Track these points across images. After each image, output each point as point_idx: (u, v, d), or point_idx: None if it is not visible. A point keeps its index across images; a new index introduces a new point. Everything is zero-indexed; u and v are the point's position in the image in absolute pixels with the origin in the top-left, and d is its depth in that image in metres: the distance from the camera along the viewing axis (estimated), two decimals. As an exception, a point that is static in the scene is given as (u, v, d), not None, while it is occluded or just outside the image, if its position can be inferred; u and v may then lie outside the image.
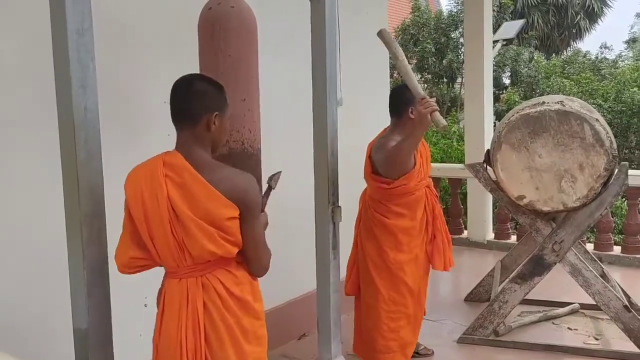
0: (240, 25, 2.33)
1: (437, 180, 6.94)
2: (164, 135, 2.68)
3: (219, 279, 1.91)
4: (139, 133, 3.03)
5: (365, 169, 3.26)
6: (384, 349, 3.20)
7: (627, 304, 3.83)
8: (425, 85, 14.13)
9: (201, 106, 1.92)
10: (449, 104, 13.49)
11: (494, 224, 6.75)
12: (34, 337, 2.59)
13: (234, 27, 2.31)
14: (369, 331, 3.25)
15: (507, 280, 4.18)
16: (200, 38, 2.39)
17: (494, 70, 10.34)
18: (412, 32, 13.54)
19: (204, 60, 2.39)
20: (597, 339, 4.05)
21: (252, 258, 1.97)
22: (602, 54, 18.79)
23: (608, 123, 4.23)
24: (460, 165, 6.81)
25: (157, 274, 2.16)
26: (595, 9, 21.77)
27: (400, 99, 3.19)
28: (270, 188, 2.26)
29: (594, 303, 3.94)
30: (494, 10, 10.61)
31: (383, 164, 3.09)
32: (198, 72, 2.33)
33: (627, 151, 10.68)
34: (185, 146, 1.91)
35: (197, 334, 1.87)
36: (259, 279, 2.07)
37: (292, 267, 3.71)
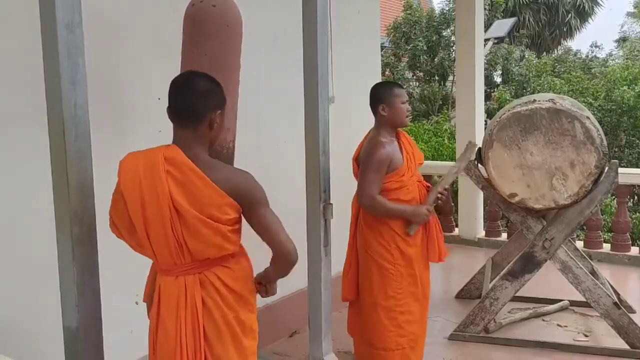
0: (219, 24, 2.29)
1: (428, 178, 6.94)
2: (154, 132, 2.67)
3: (216, 274, 1.90)
4: (130, 130, 3.02)
5: (354, 171, 3.29)
6: (393, 346, 3.16)
7: (617, 301, 3.86)
8: (417, 84, 14.15)
9: (205, 105, 1.91)
10: (441, 102, 13.50)
11: (484, 222, 6.78)
12: (24, 336, 2.57)
13: (212, 26, 2.28)
14: (374, 330, 3.19)
15: (498, 277, 4.20)
16: (183, 35, 2.38)
17: (485, 69, 10.39)
18: (404, 30, 13.55)
19: (183, 57, 2.37)
20: (586, 336, 4.08)
21: (272, 247, 1.96)
22: (592, 52, 18.88)
23: (598, 121, 4.25)
24: (452, 163, 6.82)
25: (147, 271, 2.16)
26: (586, 7, 21.89)
27: (373, 98, 3.25)
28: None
29: (584, 300, 3.96)
30: (485, 9, 10.63)
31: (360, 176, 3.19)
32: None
33: (617, 149, 10.74)
34: (184, 143, 1.89)
35: (197, 332, 1.86)
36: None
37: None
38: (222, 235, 1.84)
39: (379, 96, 3.21)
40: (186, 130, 1.90)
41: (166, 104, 1.98)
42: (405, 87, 13.57)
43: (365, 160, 3.13)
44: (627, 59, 16.77)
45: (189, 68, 2.28)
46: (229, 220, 1.85)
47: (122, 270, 2.73)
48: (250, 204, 1.87)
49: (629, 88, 10.62)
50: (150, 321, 1.97)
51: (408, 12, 13.76)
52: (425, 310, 3.31)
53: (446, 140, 10.23)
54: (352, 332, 3.43)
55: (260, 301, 2.92)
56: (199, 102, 1.90)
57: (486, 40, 10.44)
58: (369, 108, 3.28)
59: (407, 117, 3.23)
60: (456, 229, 6.83)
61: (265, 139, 3.89)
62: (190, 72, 1.99)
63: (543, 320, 4.38)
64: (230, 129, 2.42)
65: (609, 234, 6.70)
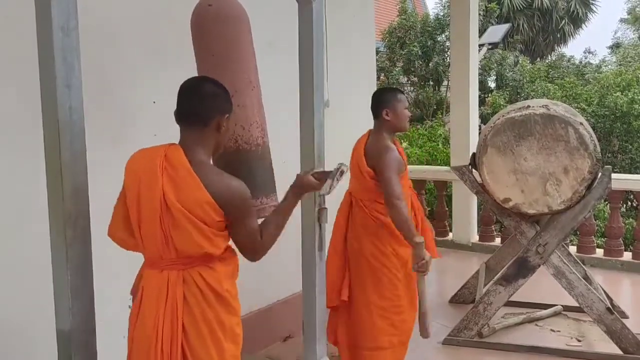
0: (218, 23, 2.34)
1: (422, 183, 6.97)
2: (150, 136, 2.67)
3: (200, 274, 1.92)
4: (125, 133, 3.01)
5: (362, 170, 3.21)
6: (386, 344, 3.17)
7: (610, 306, 3.87)
8: (412, 88, 14.19)
9: (213, 108, 1.95)
10: (435, 107, 13.55)
11: (478, 227, 6.79)
12: (17, 338, 2.56)
13: (212, 25, 2.33)
14: (367, 330, 3.19)
15: (492, 282, 4.21)
16: (192, 40, 2.44)
17: (480, 74, 10.41)
18: (399, 35, 13.60)
19: (197, 61, 2.42)
20: (579, 341, 4.09)
21: (250, 250, 2.02)
22: (586, 58, 19.02)
23: (591, 127, 4.28)
24: (446, 168, 6.84)
25: (141, 275, 2.14)
26: (580, 14, 22.04)
27: (377, 102, 3.27)
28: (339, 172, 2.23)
29: (577, 305, 3.98)
30: (479, 15, 10.69)
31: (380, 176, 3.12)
32: (187, 72, 2.33)
33: (610, 155, 10.79)
34: (188, 144, 1.93)
35: (175, 325, 1.87)
36: (239, 278, 2.08)
37: (278, 268, 3.70)
38: (204, 236, 1.87)
39: (383, 100, 3.23)
40: (193, 133, 1.95)
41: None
42: (400, 91, 13.67)
43: (384, 163, 3.09)
44: (620, 65, 16.88)
45: (202, 72, 2.32)
46: (213, 223, 1.88)
47: (115, 273, 2.72)
48: (234, 213, 1.91)
49: (622, 94, 10.69)
50: (131, 312, 1.99)
51: (403, 17, 13.83)
52: (415, 304, 3.30)
53: (440, 145, 10.26)
54: (335, 340, 3.38)
55: (254, 305, 2.92)
56: (206, 104, 1.95)
57: (480, 45, 10.49)
58: (364, 112, 3.29)
59: (407, 122, 3.29)
60: (450, 234, 6.84)
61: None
62: (199, 77, 2.05)
63: (536, 325, 4.39)
64: (256, 123, 2.45)
65: (602, 239, 6.73)
